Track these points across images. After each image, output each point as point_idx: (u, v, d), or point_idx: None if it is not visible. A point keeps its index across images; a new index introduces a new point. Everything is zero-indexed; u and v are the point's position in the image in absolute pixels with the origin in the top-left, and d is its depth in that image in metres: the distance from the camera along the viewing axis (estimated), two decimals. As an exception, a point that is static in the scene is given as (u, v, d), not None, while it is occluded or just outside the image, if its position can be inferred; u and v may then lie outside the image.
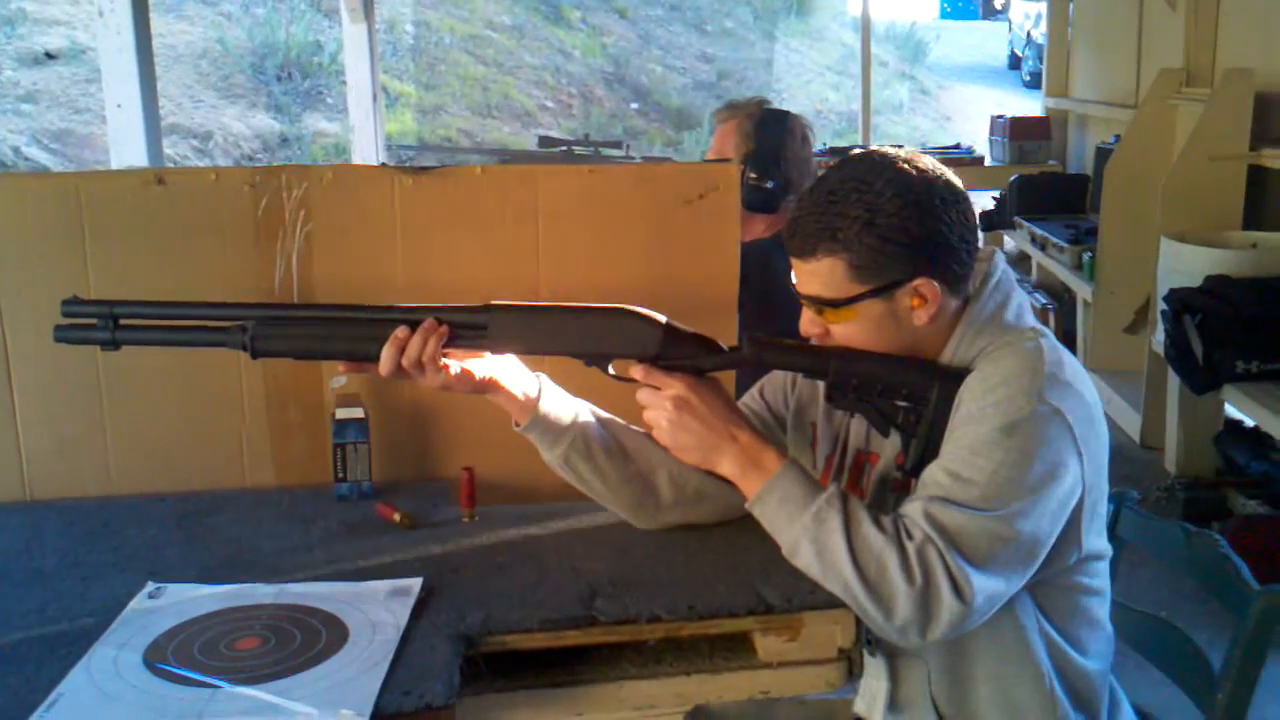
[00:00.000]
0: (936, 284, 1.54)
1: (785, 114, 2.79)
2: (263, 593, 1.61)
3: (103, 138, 7.74)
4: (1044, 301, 6.19)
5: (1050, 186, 6.65)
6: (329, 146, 10.49)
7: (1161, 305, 4.18)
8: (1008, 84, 16.29)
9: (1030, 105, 10.06)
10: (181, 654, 1.44)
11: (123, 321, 1.61)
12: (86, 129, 9.26)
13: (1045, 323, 5.73)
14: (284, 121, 10.73)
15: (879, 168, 1.53)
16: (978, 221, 1.60)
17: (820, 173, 1.70)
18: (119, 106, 3.79)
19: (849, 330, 1.57)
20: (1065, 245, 5.76)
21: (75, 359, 1.96)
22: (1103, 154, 5.92)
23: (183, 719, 1.30)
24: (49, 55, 10.10)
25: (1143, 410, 4.88)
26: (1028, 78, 15.23)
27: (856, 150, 1.65)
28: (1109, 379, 5.26)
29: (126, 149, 3.82)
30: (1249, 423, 4.23)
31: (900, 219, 1.50)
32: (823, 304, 1.56)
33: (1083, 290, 5.55)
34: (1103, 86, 6.74)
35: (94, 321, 1.61)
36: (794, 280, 1.60)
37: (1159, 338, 4.27)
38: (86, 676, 1.39)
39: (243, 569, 1.70)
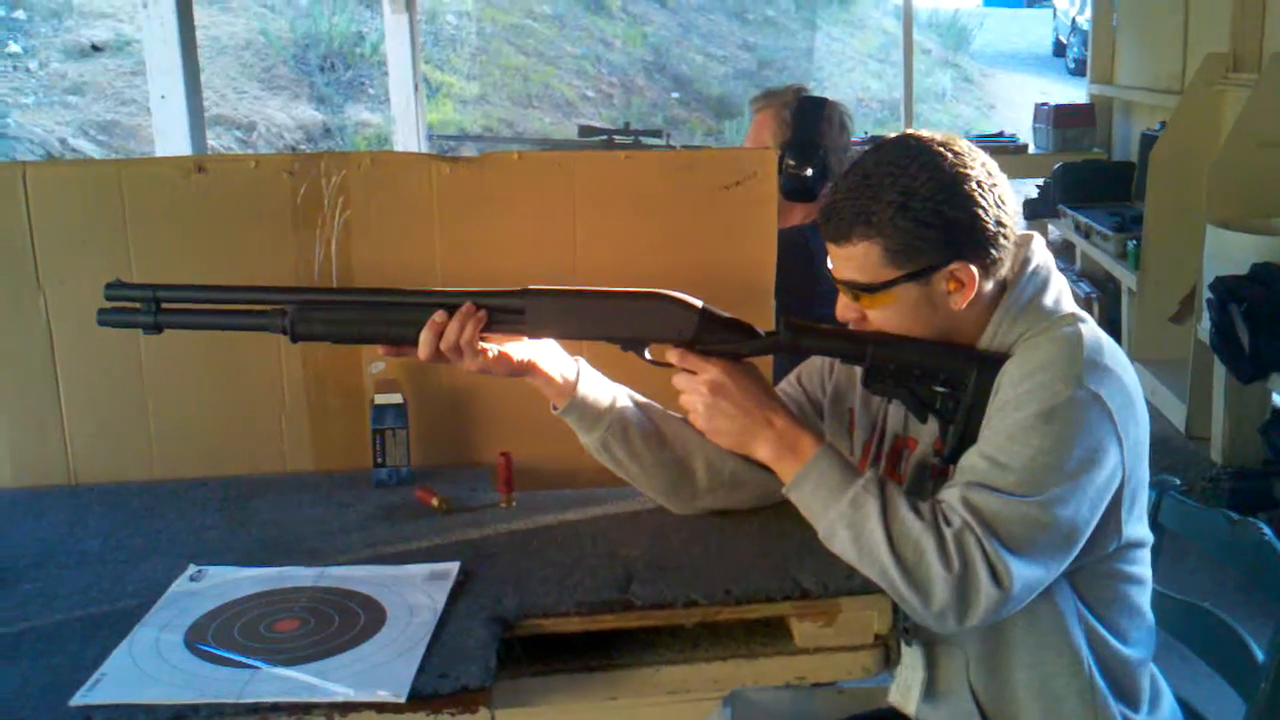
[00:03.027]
0: (973, 268, 1.52)
1: (823, 101, 2.77)
2: (302, 576, 1.62)
3: (148, 129, 7.80)
4: (1088, 290, 6.13)
5: (1095, 174, 6.59)
6: (371, 137, 10.54)
7: (1207, 294, 4.13)
8: (1052, 71, 16.13)
9: (1075, 93, 9.96)
10: (222, 635, 1.46)
11: (165, 305, 1.63)
12: (132, 120, 9.35)
13: (1089, 312, 5.66)
14: (326, 112, 10.79)
15: (914, 152, 1.52)
16: (1016, 206, 1.58)
17: (857, 159, 1.69)
18: (163, 98, 3.81)
19: (885, 315, 1.56)
20: (1110, 234, 5.70)
21: (118, 345, 1.98)
22: (1148, 141, 5.85)
23: (222, 699, 1.31)
24: (95, 48, 10.21)
25: (1188, 400, 4.82)
26: (1072, 65, 15.06)
27: (892, 135, 1.64)
28: (1154, 368, 5.20)
29: (171, 140, 3.84)
30: (1296, 412, 4.18)
31: (935, 203, 1.49)
32: (859, 289, 1.56)
33: (1127, 279, 5.49)
34: (1148, 73, 6.67)
35: (137, 305, 1.63)
36: (830, 265, 1.60)
37: (1205, 326, 4.22)
38: (129, 657, 1.41)
39: (282, 552, 1.72)
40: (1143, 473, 1.57)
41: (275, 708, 1.31)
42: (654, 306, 1.60)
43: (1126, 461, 1.50)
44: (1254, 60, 5.07)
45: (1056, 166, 6.67)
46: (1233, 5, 5.17)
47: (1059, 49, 16.90)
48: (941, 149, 1.52)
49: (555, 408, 1.70)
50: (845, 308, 1.60)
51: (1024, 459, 1.45)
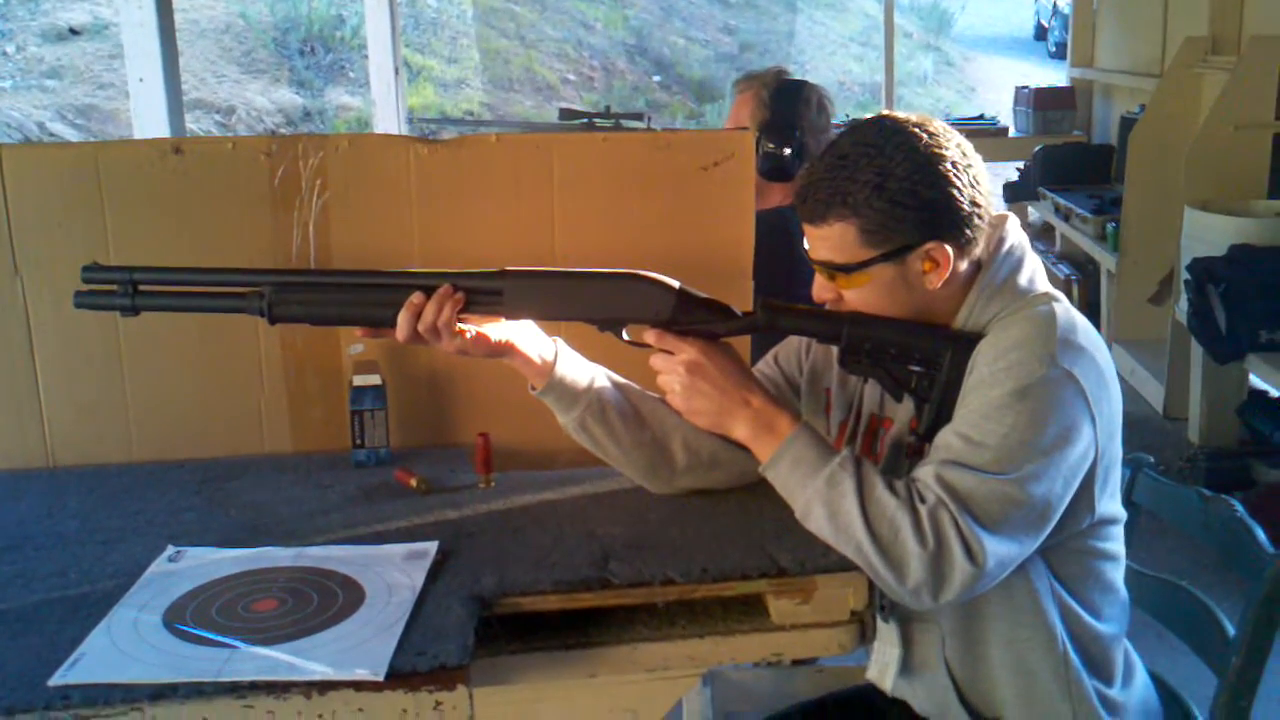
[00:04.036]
0: (948, 248, 1.53)
1: (802, 83, 2.79)
2: (280, 556, 1.62)
3: (126, 113, 7.76)
4: (1068, 272, 6.15)
5: (1074, 157, 6.61)
6: (351, 120, 10.50)
7: (1185, 275, 4.15)
8: (1033, 55, 16.17)
9: (1055, 76, 9.98)
10: (200, 615, 1.46)
11: (142, 287, 1.62)
12: (110, 104, 9.30)
13: (1069, 293, 5.72)
14: (306, 96, 10.75)
15: (889, 132, 1.52)
16: (991, 186, 1.59)
17: (834, 139, 1.70)
18: (141, 81, 3.78)
19: (861, 295, 1.57)
20: (1089, 216, 5.72)
21: (96, 327, 1.98)
22: (1127, 124, 5.88)
23: (201, 678, 1.31)
24: (73, 31, 10.14)
25: (1166, 380, 4.85)
26: (1053, 48, 15.11)
27: (868, 116, 1.64)
28: (1132, 349, 5.23)
29: (149, 124, 3.81)
30: (1273, 392, 4.20)
31: (911, 183, 1.50)
32: (835, 269, 1.56)
33: (1107, 261, 5.52)
34: (1128, 56, 6.68)
35: (114, 287, 1.62)
36: (806, 246, 1.60)
37: (1183, 307, 4.25)
38: (107, 637, 1.41)
39: (261, 533, 1.72)
40: (1115, 450, 1.59)
41: (254, 686, 1.31)
42: (631, 287, 1.60)
43: (1099, 439, 1.51)
44: (1232, 43, 5.10)
45: (1037, 149, 6.69)
46: (1211, -11, 5.19)
47: (1040, 32, 16.95)
48: (917, 129, 1.53)
49: (533, 388, 1.70)
50: (821, 288, 1.61)
51: (998, 437, 1.46)
